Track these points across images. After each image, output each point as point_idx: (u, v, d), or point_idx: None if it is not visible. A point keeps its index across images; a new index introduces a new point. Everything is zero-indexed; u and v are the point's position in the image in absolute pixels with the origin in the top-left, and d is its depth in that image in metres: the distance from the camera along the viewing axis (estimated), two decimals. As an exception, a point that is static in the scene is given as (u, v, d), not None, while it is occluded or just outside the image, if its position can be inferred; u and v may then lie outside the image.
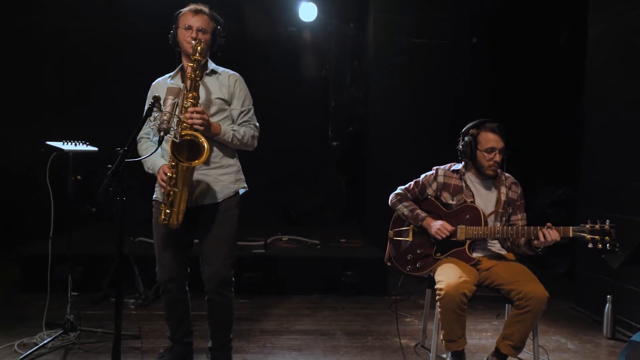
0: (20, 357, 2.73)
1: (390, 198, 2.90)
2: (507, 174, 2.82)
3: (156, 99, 2.03)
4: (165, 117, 2.02)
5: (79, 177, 2.96)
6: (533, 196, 5.48)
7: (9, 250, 4.79)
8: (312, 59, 6.24)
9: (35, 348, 2.82)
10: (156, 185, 2.52)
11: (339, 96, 6.36)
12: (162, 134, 2.01)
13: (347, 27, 6.21)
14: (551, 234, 2.45)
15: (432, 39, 5.48)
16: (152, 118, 2.04)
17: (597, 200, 3.79)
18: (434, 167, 2.88)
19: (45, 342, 2.89)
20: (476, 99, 5.34)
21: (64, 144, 2.94)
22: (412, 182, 2.89)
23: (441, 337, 2.55)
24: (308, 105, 6.24)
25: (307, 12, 5.82)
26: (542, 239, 2.46)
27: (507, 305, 2.79)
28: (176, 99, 2.12)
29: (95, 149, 3.05)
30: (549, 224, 2.48)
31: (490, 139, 2.67)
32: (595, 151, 3.89)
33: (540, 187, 5.53)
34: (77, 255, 3.78)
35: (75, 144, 2.97)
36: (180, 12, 2.51)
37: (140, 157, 2.42)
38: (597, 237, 2.37)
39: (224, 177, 2.52)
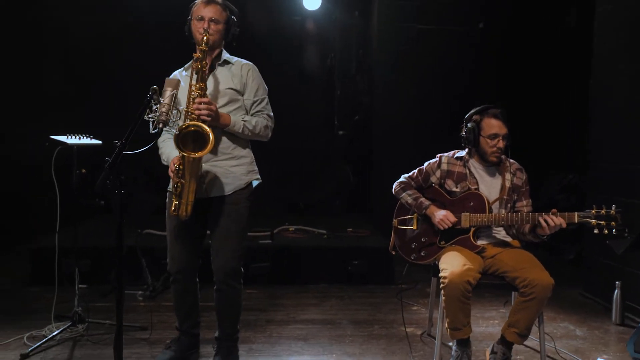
0: (30, 349, 2.76)
1: (394, 186, 2.88)
2: (511, 160, 2.79)
3: (154, 90, 2.03)
4: (163, 109, 2.01)
5: (83, 170, 2.98)
6: (542, 182, 5.44)
7: (18, 244, 4.84)
8: (317, 48, 6.19)
9: (44, 340, 2.86)
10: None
11: (345, 85, 6.31)
12: (160, 126, 2.01)
13: (351, 15, 6.15)
14: (554, 220, 2.42)
15: (437, 24, 5.41)
16: (150, 109, 2.03)
17: (605, 186, 3.74)
18: (438, 155, 2.86)
19: (53, 334, 2.92)
20: (483, 85, 5.28)
21: (68, 137, 2.96)
22: (416, 170, 2.87)
23: (446, 325, 2.54)
24: (313, 95, 6.20)
25: (311, 1, 5.76)
26: (544, 225, 2.44)
27: (513, 293, 2.77)
28: (174, 91, 2.11)
29: (99, 142, 3.07)
30: (553, 210, 2.45)
31: (493, 125, 2.64)
32: (602, 136, 3.84)
33: (549, 173, 5.47)
34: (85, 248, 3.82)
35: (79, 138, 2.99)
36: (194, 3, 2.51)
37: (159, 149, 2.43)
38: (602, 222, 2.34)
39: (235, 169, 2.51)
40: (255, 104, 2.53)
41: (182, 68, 2.61)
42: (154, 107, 2.01)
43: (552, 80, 5.48)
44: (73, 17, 5.43)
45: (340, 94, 6.32)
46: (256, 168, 2.63)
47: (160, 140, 2.54)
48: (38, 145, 3.70)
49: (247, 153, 2.58)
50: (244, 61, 2.58)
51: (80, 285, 3.13)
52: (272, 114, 2.59)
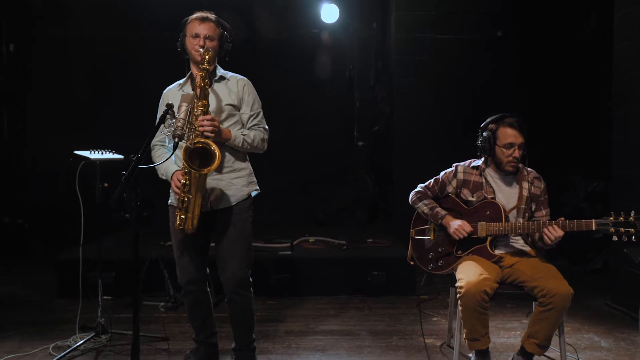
0: (55, 358, 2.84)
1: (410, 196, 2.88)
2: (529, 169, 2.76)
3: (169, 106, 2.09)
4: (179, 124, 2.07)
5: (105, 184, 3.06)
6: (566, 190, 5.34)
7: (47, 256, 4.99)
8: (336, 60, 6.26)
9: (68, 350, 2.93)
10: (170, 190, 2.58)
11: (364, 96, 6.35)
12: (176, 140, 2.06)
13: (369, 27, 6.20)
14: (552, 232, 2.41)
15: (455, 34, 5.42)
16: (166, 125, 2.09)
17: (629, 193, 3.66)
18: (454, 164, 2.85)
19: (77, 344, 2.99)
20: (502, 93, 5.25)
21: (91, 153, 3.05)
22: (432, 180, 2.87)
23: (464, 336, 2.52)
24: (333, 107, 6.26)
25: (329, 14, 5.85)
26: (545, 238, 2.44)
27: (534, 303, 2.73)
28: (189, 106, 2.17)
29: (121, 156, 3.15)
30: (561, 219, 2.43)
31: (509, 134, 2.62)
32: (625, 142, 3.77)
33: (573, 181, 5.38)
34: (109, 261, 3.91)
35: (102, 153, 3.08)
36: (187, 19, 2.55)
37: (154, 163, 2.49)
38: (621, 229, 2.30)
39: (236, 181, 2.57)
40: (251, 118, 2.59)
41: (177, 83, 2.66)
42: (170, 121, 2.07)
43: (574, 86, 5.40)
44: (97, 32, 5.63)
45: (359, 104, 6.35)
46: (255, 179, 2.69)
47: (156, 155, 2.60)
48: (62, 159, 3.84)
49: (246, 165, 2.65)
50: (239, 76, 2.64)
51: (104, 297, 3.21)
52: (267, 127, 2.65)
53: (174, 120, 2.08)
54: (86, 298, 3.23)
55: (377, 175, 6.17)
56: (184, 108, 2.14)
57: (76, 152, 3.03)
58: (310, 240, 4.76)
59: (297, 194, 5.96)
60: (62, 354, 2.89)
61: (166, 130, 2.06)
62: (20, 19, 5.60)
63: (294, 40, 6.02)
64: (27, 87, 5.72)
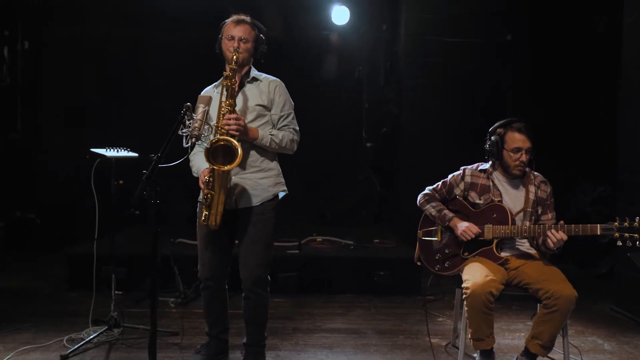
0: (69, 350, 2.91)
1: (418, 198, 2.94)
2: (536, 173, 2.81)
3: (187, 107, 2.16)
4: (196, 125, 2.14)
5: (121, 181, 3.13)
6: (573, 194, 5.37)
7: (57, 250, 5.09)
8: (345, 61, 6.30)
9: (82, 343, 3.01)
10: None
11: (372, 98, 6.40)
12: (193, 140, 2.13)
13: (379, 29, 6.25)
14: (555, 236, 2.45)
15: (465, 37, 5.45)
16: (183, 125, 2.16)
17: (635, 197, 3.70)
18: (462, 167, 2.90)
19: (91, 337, 3.07)
20: (512, 96, 5.28)
21: (107, 150, 3.13)
22: (440, 183, 2.92)
23: (469, 336, 2.57)
24: (342, 108, 6.31)
25: (340, 16, 5.89)
26: (548, 241, 2.48)
27: (539, 304, 2.77)
28: (207, 107, 2.23)
29: (136, 154, 3.23)
30: (561, 222, 2.48)
31: (516, 139, 2.67)
32: (632, 146, 3.80)
33: (580, 184, 5.40)
34: (121, 256, 3.99)
35: (117, 151, 3.15)
36: (225, 22, 2.64)
37: (173, 162, 2.55)
38: (625, 234, 2.35)
39: (263, 181, 2.61)
40: (282, 119, 2.64)
41: (213, 85, 2.74)
42: (187, 122, 2.14)
43: (582, 91, 5.42)
44: (111, 31, 5.71)
45: (368, 106, 6.40)
46: (283, 180, 2.73)
47: (192, 153, 2.65)
48: (78, 156, 3.92)
49: (275, 165, 2.69)
50: (272, 77, 2.69)
51: (116, 292, 3.28)
52: (297, 128, 2.69)
53: (190, 121, 2.14)
54: (98, 292, 3.30)
55: (384, 176, 6.22)
56: (200, 109, 2.21)
57: (92, 149, 3.11)
58: (318, 239, 4.82)
59: (305, 194, 6.01)
60: (76, 346, 2.96)
61: (184, 130, 2.12)
62: (36, 16, 5.70)
63: (304, 41, 6.08)
64: (41, 84, 5.81)
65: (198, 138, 2.15)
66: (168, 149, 1.96)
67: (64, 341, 3.10)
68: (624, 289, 3.85)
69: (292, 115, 2.68)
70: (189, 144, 2.14)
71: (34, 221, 5.70)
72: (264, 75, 2.69)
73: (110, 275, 3.28)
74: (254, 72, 2.68)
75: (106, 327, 3.18)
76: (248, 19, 2.62)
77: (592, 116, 5.37)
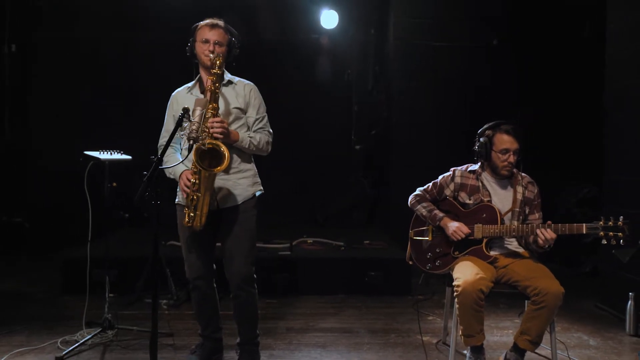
0: (64, 352, 2.92)
1: (409, 199, 3.00)
2: (523, 174, 2.89)
3: (186, 110, 2.20)
4: (194, 127, 2.18)
5: (114, 184, 3.15)
6: (559, 195, 5.48)
7: (50, 253, 5.07)
8: (334, 65, 6.37)
9: (77, 344, 3.02)
10: (178, 189, 2.67)
11: (362, 100, 6.47)
12: (191, 142, 2.17)
13: (367, 33, 6.32)
14: (545, 234, 2.53)
15: (452, 41, 5.55)
16: (181, 127, 2.20)
17: (620, 198, 3.80)
18: (452, 168, 2.97)
19: (85, 339, 3.08)
20: (498, 99, 5.38)
21: (100, 153, 3.14)
22: (431, 184, 2.99)
23: (460, 332, 2.63)
24: (331, 111, 6.36)
25: (329, 19, 5.96)
26: (538, 240, 2.56)
27: (526, 302, 2.85)
28: (204, 110, 2.28)
29: (129, 157, 3.25)
30: (548, 222, 2.56)
31: (504, 141, 2.75)
32: (617, 148, 3.90)
33: (566, 185, 5.52)
34: (112, 259, 3.99)
35: (111, 153, 3.17)
36: (197, 25, 2.67)
37: (164, 163, 2.58)
38: (610, 233, 2.43)
39: (242, 181, 2.68)
40: (257, 122, 2.71)
41: (186, 87, 2.76)
42: (184, 124, 2.18)
43: (568, 93, 5.54)
44: (103, 34, 5.71)
45: (357, 109, 6.47)
46: (259, 179, 2.80)
47: (166, 154, 2.65)
48: (66, 160, 3.91)
49: (251, 166, 2.76)
50: (246, 81, 2.77)
51: (109, 294, 3.29)
52: (271, 130, 2.77)
53: (188, 124, 2.18)
54: (90, 295, 3.30)
55: (374, 178, 6.29)
56: (198, 112, 2.25)
57: (86, 152, 3.12)
58: (309, 241, 4.86)
59: (295, 196, 6.07)
60: (71, 347, 2.97)
61: (181, 132, 2.16)
62: (23, 19, 5.67)
63: (293, 45, 6.13)
64: (29, 87, 5.78)
65: (196, 140, 2.19)
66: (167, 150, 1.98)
67: (58, 343, 3.11)
68: (608, 286, 3.95)
69: (266, 118, 2.76)
70: (187, 145, 2.17)
71: (22, 225, 5.67)
72: (237, 78, 2.75)
73: (104, 277, 3.30)
74: (228, 76, 2.73)
75: (100, 329, 3.19)
76: (222, 23, 2.67)
77: (577, 119, 5.48)
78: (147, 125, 5.63)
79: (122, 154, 3.22)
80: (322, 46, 6.29)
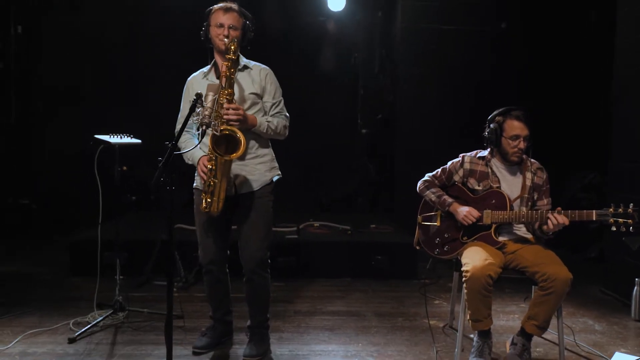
0: (76, 333, 2.96)
1: (418, 185, 3.01)
2: (532, 160, 2.89)
3: (198, 95, 2.20)
4: (206, 112, 2.18)
5: (124, 167, 3.17)
6: (565, 181, 5.49)
7: (55, 236, 5.11)
8: (341, 48, 6.33)
9: (89, 326, 3.06)
10: (196, 174, 2.68)
11: (368, 84, 6.44)
12: (204, 127, 2.18)
13: (375, 16, 6.27)
14: (557, 219, 2.54)
15: (460, 25, 5.51)
16: (194, 113, 2.20)
17: (626, 184, 3.81)
18: (461, 154, 2.97)
19: (97, 320, 3.13)
20: (505, 84, 5.36)
21: (110, 137, 3.15)
22: (439, 169, 2.99)
23: (468, 317, 2.66)
24: (337, 94, 6.34)
25: (336, 2, 5.90)
26: (549, 222, 2.56)
27: (533, 287, 2.87)
28: (216, 95, 2.28)
29: (139, 141, 3.26)
30: (558, 208, 2.57)
31: (515, 127, 2.75)
32: (623, 135, 3.90)
33: (571, 172, 5.52)
34: (121, 242, 4.02)
35: (121, 137, 3.18)
36: (211, 9, 2.64)
37: (181, 149, 2.59)
38: (620, 220, 2.44)
39: (260, 166, 2.68)
40: (274, 106, 2.70)
41: (201, 71, 2.75)
42: (197, 110, 2.18)
43: (575, 79, 5.51)
44: (108, 18, 5.68)
45: (363, 92, 6.45)
46: (277, 164, 2.80)
47: (181, 140, 2.68)
48: (77, 142, 3.90)
49: (269, 151, 2.76)
50: (262, 65, 2.75)
51: (120, 277, 3.32)
52: (288, 114, 2.76)
53: (201, 109, 2.18)
54: (100, 277, 3.34)
55: (380, 162, 6.30)
56: (210, 97, 2.25)
57: (97, 135, 3.13)
58: (315, 225, 4.89)
59: (301, 180, 6.07)
60: (83, 329, 3.02)
61: (194, 118, 2.16)
62: (30, 1, 5.65)
63: (300, 28, 6.09)
64: (35, 69, 5.77)
65: (209, 125, 2.20)
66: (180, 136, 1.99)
67: (70, 324, 3.15)
68: (613, 272, 3.98)
69: (282, 101, 2.75)
70: (199, 131, 2.18)
71: (30, 207, 5.70)
72: (253, 62, 2.73)
73: (115, 260, 3.33)
74: (244, 60, 2.71)
75: (111, 310, 3.24)
76: (235, 6, 2.64)
77: (584, 106, 5.46)
78: (151, 109, 5.69)
79: (131, 137, 3.23)
80: (329, 29, 6.24)
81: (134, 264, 4.13)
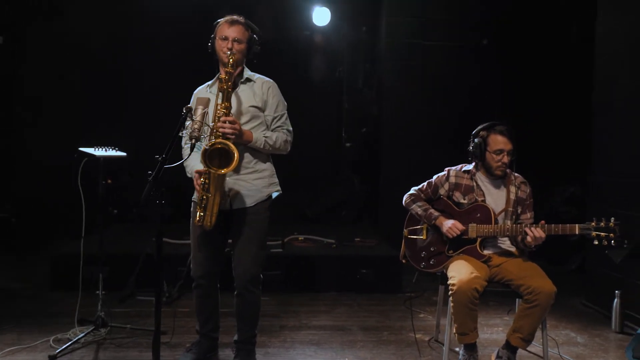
0: (57, 350, 2.90)
1: (404, 198, 3.03)
2: (516, 174, 2.94)
3: (188, 109, 2.19)
4: (196, 126, 2.18)
5: (109, 180, 3.13)
6: (547, 195, 5.57)
7: (35, 249, 5.00)
8: (326, 62, 6.38)
9: (70, 343, 2.99)
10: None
11: (352, 98, 6.48)
12: (193, 141, 2.17)
13: (359, 31, 6.34)
14: (534, 232, 2.59)
15: (442, 40, 5.60)
16: (184, 127, 2.19)
17: (605, 198, 3.88)
18: (446, 168, 3.01)
19: (78, 337, 3.06)
20: (488, 99, 5.45)
21: (95, 149, 3.12)
22: (425, 183, 3.02)
23: (454, 330, 2.68)
24: (322, 108, 6.37)
25: (321, 17, 5.97)
26: (527, 237, 2.62)
27: (517, 300, 2.91)
28: (205, 109, 2.27)
29: (124, 154, 3.23)
30: (542, 222, 2.62)
31: (499, 141, 2.79)
32: (603, 149, 3.99)
33: (553, 186, 5.61)
34: (103, 255, 3.96)
35: (106, 150, 3.14)
36: (218, 22, 2.65)
37: (175, 163, 2.56)
38: (602, 234, 2.49)
39: (257, 182, 2.65)
40: (275, 120, 2.69)
41: (206, 85, 2.76)
42: (187, 123, 2.17)
43: (556, 93, 5.64)
44: (92, 28, 5.65)
45: (348, 106, 6.49)
46: (276, 180, 2.78)
47: (184, 154, 2.65)
48: (59, 153, 3.84)
49: (268, 166, 2.73)
50: (265, 78, 2.73)
51: (97, 291, 3.26)
52: (291, 128, 2.74)
53: (190, 123, 2.18)
54: (80, 292, 3.28)
55: (364, 176, 6.33)
56: (199, 111, 2.24)
57: (81, 148, 3.09)
58: (300, 238, 4.88)
59: (286, 193, 6.06)
60: (64, 346, 2.95)
61: (184, 131, 2.16)
62: (12, 9, 5.58)
63: (285, 42, 6.12)
64: (17, 80, 5.70)
65: (198, 139, 2.19)
66: (171, 150, 1.98)
67: (51, 341, 3.08)
68: (594, 284, 4.04)
69: (285, 115, 2.73)
70: (188, 145, 2.17)
71: (9, 220, 5.58)
72: (257, 75, 2.72)
73: (97, 274, 3.27)
74: (248, 73, 2.71)
75: (93, 326, 3.17)
76: (242, 19, 2.64)
77: (564, 120, 5.58)
78: (135, 120, 5.64)
79: (116, 150, 3.20)
80: (314, 43, 6.29)
81: (116, 278, 4.05)
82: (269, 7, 5.82)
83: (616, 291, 3.52)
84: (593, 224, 2.53)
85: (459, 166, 2.99)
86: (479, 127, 2.91)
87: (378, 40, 6.00)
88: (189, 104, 2.54)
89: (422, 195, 2.99)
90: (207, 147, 2.32)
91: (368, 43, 6.29)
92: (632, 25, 3.67)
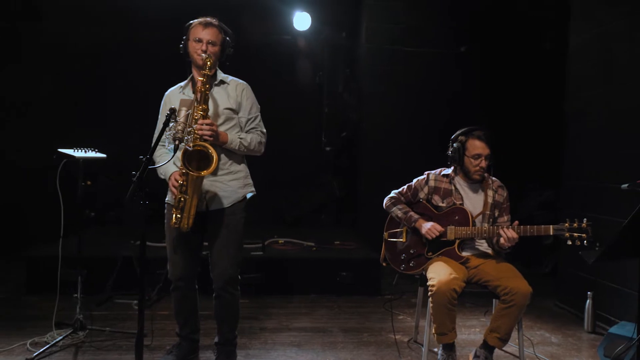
0: (34, 354, 2.86)
1: (384, 201, 3.08)
2: (494, 178, 3.01)
3: (172, 110, 2.20)
4: (179, 127, 2.18)
5: (88, 182, 3.10)
6: (522, 199, 5.70)
7: (13, 252, 4.90)
8: (306, 66, 6.42)
9: (48, 346, 2.95)
10: (168, 189, 2.66)
11: (332, 102, 6.54)
12: (176, 142, 2.17)
13: (339, 36, 6.40)
14: (507, 233, 2.66)
15: (422, 47, 5.69)
16: (168, 128, 2.20)
17: (577, 202, 4.00)
18: (426, 172, 3.07)
19: (56, 340, 3.02)
20: (465, 104, 5.55)
21: (75, 151, 3.09)
22: (405, 187, 3.08)
23: (433, 331, 2.73)
24: (302, 112, 6.41)
25: (301, 21, 6.01)
26: (501, 239, 2.69)
27: (494, 301, 2.97)
28: (189, 110, 2.28)
29: (104, 155, 3.20)
30: (516, 222, 2.69)
31: (477, 146, 2.86)
32: (576, 155, 4.11)
33: (528, 190, 5.75)
34: (79, 258, 3.91)
35: (85, 151, 3.12)
36: (191, 24, 2.63)
37: (155, 163, 2.56)
38: (575, 234, 2.57)
39: (232, 183, 2.67)
40: (249, 122, 2.71)
41: (179, 86, 2.74)
42: (171, 125, 2.18)
43: (532, 100, 5.77)
44: (72, 29, 5.58)
45: (327, 110, 6.54)
46: (251, 181, 2.80)
47: (156, 155, 2.66)
48: (34, 155, 3.77)
49: (243, 168, 2.76)
50: (239, 80, 2.75)
51: (75, 294, 3.22)
52: (264, 130, 2.77)
53: (174, 124, 2.18)
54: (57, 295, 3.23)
55: (344, 179, 6.37)
56: (183, 112, 2.25)
57: (60, 149, 3.06)
58: (280, 241, 4.89)
59: (264, 196, 6.07)
60: (42, 349, 2.91)
61: (167, 133, 2.16)
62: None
63: (266, 46, 6.14)
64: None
65: (181, 140, 2.20)
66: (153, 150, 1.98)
67: (27, 345, 3.04)
68: (566, 286, 4.15)
69: (259, 117, 2.75)
70: (173, 146, 2.17)
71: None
72: (230, 77, 2.74)
73: (73, 277, 3.24)
74: (221, 75, 2.72)
75: (71, 330, 3.13)
76: (215, 21, 2.64)
77: (540, 125, 5.71)
78: (113, 122, 5.58)
79: (96, 152, 3.17)
80: (294, 48, 6.33)
81: (93, 281, 4.01)
82: (250, 12, 5.83)
83: (588, 293, 3.63)
84: (567, 224, 2.61)
85: (438, 170, 3.05)
86: (458, 132, 2.98)
87: (358, 45, 6.07)
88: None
89: (402, 198, 3.04)
90: (187, 149, 2.32)
91: (348, 48, 6.36)
92: (603, 35, 3.80)
